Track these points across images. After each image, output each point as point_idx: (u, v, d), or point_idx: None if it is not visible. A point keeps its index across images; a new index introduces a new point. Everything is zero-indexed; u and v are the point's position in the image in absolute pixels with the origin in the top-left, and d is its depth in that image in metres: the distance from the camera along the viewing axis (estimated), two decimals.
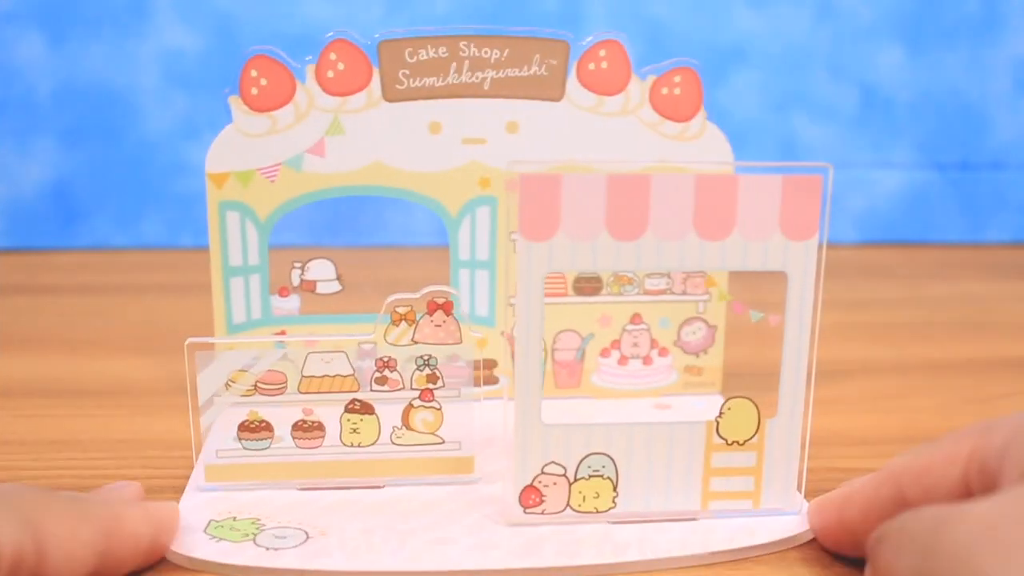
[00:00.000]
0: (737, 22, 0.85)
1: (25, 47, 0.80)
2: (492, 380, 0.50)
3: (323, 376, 0.40)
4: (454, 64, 0.46)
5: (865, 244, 0.90)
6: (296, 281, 0.48)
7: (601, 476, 0.37)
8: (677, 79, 0.48)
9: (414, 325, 0.40)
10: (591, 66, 0.47)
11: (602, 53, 0.47)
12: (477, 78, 0.47)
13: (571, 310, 0.50)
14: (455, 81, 0.47)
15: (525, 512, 0.37)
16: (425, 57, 0.46)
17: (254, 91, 0.46)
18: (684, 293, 0.50)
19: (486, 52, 0.46)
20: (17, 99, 0.81)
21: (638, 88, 0.48)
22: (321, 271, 0.48)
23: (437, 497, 0.40)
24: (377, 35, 0.46)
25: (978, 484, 0.31)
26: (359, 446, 0.40)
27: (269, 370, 0.40)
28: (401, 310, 0.39)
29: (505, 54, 0.46)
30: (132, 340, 0.62)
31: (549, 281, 0.49)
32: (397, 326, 0.40)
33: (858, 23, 0.86)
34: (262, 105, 0.46)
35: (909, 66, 0.86)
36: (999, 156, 0.89)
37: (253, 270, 0.48)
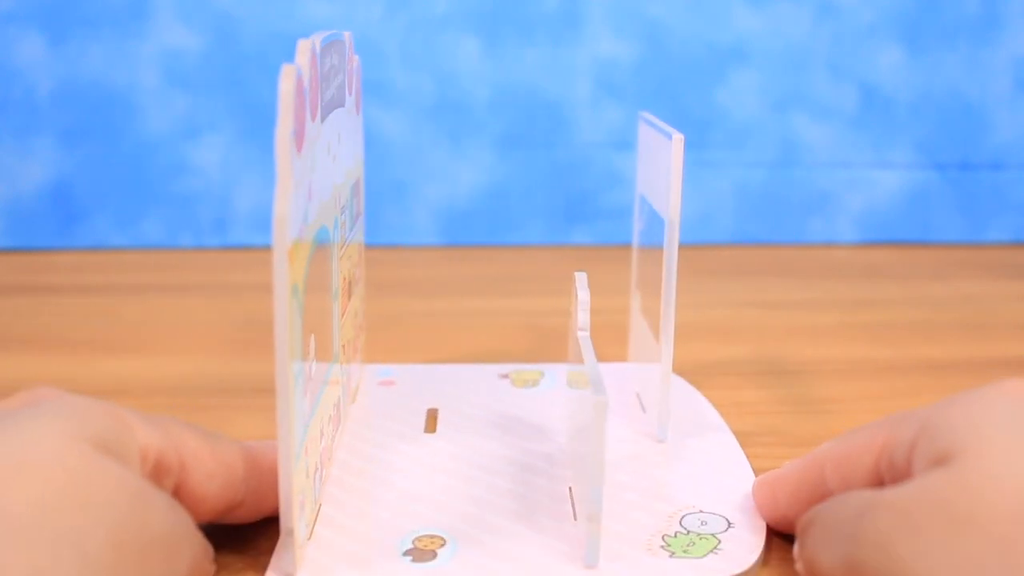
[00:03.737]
0: (737, 22, 0.85)
1: (25, 47, 0.80)
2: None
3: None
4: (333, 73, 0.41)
5: (865, 244, 0.90)
6: None
7: None
8: (357, 72, 0.48)
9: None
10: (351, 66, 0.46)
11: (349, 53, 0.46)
12: (335, 86, 0.41)
13: (345, 318, 0.46)
14: (335, 93, 0.41)
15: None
16: (328, 65, 0.39)
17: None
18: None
19: (333, 57, 0.40)
20: (17, 99, 0.81)
21: (355, 85, 0.47)
22: None
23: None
24: (322, 36, 0.37)
25: (888, 475, 0.32)
26: None
27: None
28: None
29: (336, 59, 0.41)
30: (132, 340, 0.62)
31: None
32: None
33: (858, 23, 0.86)
34: (301, 139, 0.33)
35: (909, 66, 0.86)
36: (999, 156, 0.89)
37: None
